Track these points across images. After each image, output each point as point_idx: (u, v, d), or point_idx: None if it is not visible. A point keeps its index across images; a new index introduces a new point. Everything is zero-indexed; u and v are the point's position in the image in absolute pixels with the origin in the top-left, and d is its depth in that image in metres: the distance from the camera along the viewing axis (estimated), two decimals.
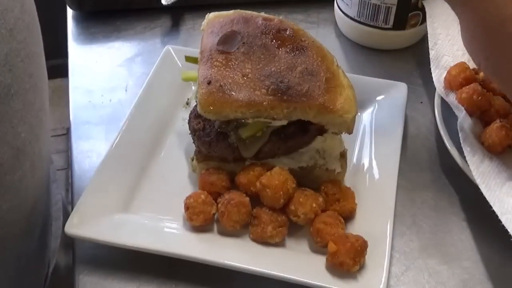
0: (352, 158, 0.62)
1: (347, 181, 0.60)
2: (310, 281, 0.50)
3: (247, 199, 0.55)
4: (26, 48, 0.47)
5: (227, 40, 0.57)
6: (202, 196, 0.55)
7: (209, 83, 0.54)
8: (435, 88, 0.67)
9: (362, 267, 0.51)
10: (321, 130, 0.58)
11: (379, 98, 0.68)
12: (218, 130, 0.57)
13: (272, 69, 0.55)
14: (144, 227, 0.55)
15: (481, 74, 0.67)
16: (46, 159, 0.57)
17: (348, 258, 0.50)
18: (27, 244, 0.56)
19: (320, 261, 0.52)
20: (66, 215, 0.70)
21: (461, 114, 0.62)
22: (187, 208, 0.55)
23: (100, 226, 0.54)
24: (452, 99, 0.65)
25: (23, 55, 0.46)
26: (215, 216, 0.55)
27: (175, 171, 0.61)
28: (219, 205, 0.55)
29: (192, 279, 0.53)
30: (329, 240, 0.52)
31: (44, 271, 0.64)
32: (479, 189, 0.56)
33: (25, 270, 0.58)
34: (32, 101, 0.49)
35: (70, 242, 0.55)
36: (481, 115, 0.64)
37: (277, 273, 0.51)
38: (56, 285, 0.67)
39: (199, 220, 0.54)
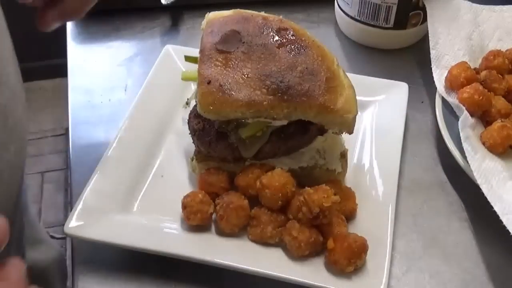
0: (353, 158, 0.62)
1: (348, 181, 0.59)
2: (310, 282, 0.50)
3: (246, 202, 0.55)
4: None
5: (227, 39, 0.56)
6: (200, 195, 0.55)
7: (209, 82, 0.54)
8: (436, 88, 0.67)
9: (362, 267, 0.51)
10: (322, 130, 0.57)
11: (379, 98, 0.68)
12: (218, 130, 0.57)
13: (272, 68, 0.54)
14: (144, 227, 0.55)
15: (482, 74, 0.67)
16: (17, 140, 0.55)
17: (342, 258, 0.50)
18: None
19: (320, 261, 0.52)
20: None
21: (462, 114, 0.62)
22: (184, 207, 0.54)
23: (100, 227, 0.53)
24: (453, 99, 0.65)
25: None
26: (214, 217, 0.55)
27: (175, 171, 0.61)
28: (218, 208, 0.54)
29: (192, 279, 0.53)
30: (329, 237, 0.52)
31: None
32: (480, 189, 0.56)
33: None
34: None
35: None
36: (482, 115, 0.64)
37: (277, 274, 0.50)
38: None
39: (196, 220, 0.54)
